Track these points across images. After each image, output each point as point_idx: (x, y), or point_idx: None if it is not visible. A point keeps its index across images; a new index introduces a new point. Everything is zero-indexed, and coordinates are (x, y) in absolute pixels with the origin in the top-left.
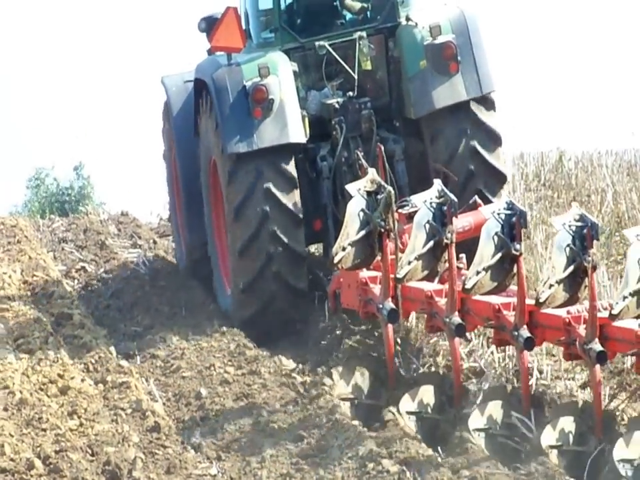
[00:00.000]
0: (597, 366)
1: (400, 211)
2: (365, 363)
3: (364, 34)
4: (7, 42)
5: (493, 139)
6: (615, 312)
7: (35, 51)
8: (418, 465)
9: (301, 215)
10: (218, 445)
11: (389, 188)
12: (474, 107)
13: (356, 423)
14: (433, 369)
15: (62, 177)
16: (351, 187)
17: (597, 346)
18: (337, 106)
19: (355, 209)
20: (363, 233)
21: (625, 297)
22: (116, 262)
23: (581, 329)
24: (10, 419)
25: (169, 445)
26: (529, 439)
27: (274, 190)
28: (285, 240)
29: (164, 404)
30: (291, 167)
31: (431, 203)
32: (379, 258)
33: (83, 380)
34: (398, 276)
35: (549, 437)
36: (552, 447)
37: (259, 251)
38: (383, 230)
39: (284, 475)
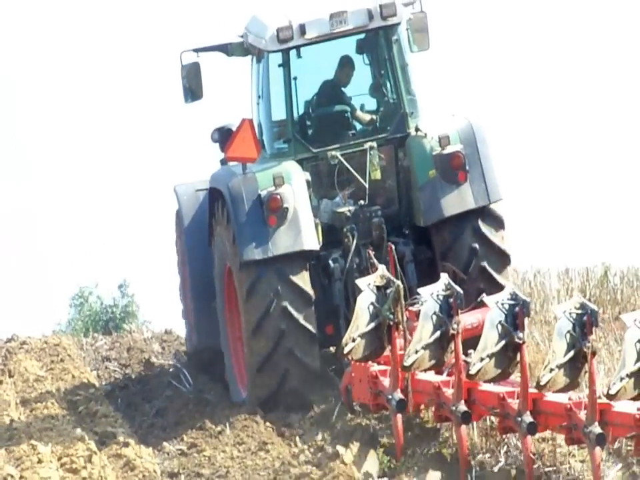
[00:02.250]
0: (597, 448)
1: (410, 308)
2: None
3: (374, 144)
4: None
5: (502, 259)
6: (612, 392)
7: (74, 168)
8: None
9: (315, 331)
10: None
11: (398, 282)
12: (485, 229)
13: None
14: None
15: (106, 295)
16: (361, 282)
17: (596, 429)
18: (348, 214)
19: (364, 302)
20: (372, 325)
21: (622, 378)
22: (159, 380)
23: (582, 414)
24: None
25: None
26: None
27: (290, 309)
28: (301, 356)
29: None
30: (307, 284)
31: (437, 295)
32: (388, 350)
33: None
34: (405, 364)
35: None
36: None
37: (276, 367)
38: (391, 323)
39: None
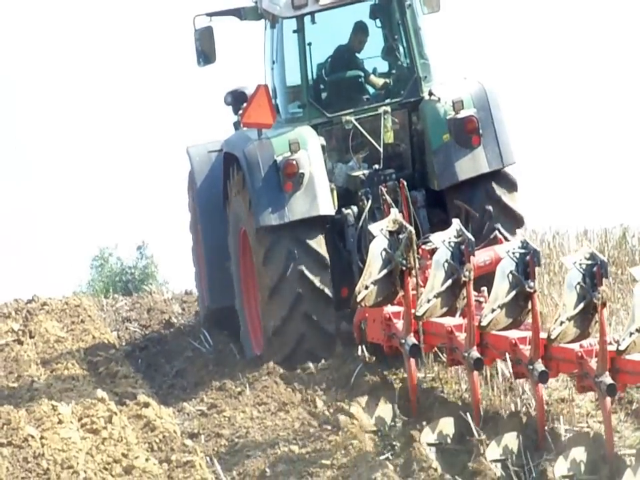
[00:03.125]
0: (608, 399)
1: (423, 247)
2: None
3: (388, 108)
4: (70, 123)
5: (515, 222)
6: (621, 348)
7: (95, 131)
8: None
9: (331, 295)
10: None
11: (410, 228)
12: (499, 191)
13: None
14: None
15: (125, 257)
16: (373, 227)
17: (607, 379)
18: (363, 178)
19: (377, 248)
20: (385, 271)
21: (631, 333)
22: (179, 341)
23: (593, 363)
24: None
25: None
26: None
27: (307, 273)
28: (317, 320)
29: None
30: (322, 247)
31: (449, 242)
32: (401, 295)
33: (147, 459)
34: (417, 314)
35: (561, 467)
36: (564, 477)
37: (292, 330)
38: (404, 268)
39: None
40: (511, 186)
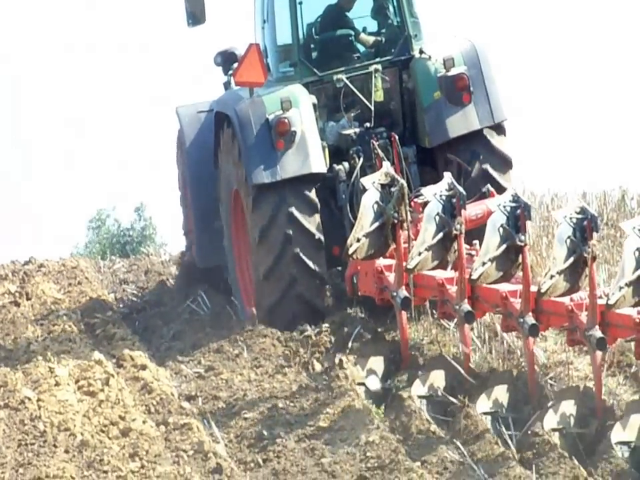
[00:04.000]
0: (598, 353)
1: (416, 200)
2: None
3: (379, 67)
4: (69, 90)
5: (504, 163)
6: (611, 302)
7: (90, 94)
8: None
9: (322, 238)
10: None
11: (402, 181)
12: (487, 132)
13: None
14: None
15: (123, 218)
16: (365, 180)
17: (597, 333)
18: (354, 136)
19: (369, 201)
20: (376, 224)
21: (620, 287)
22: (176, 303)
23: (583, 316)
24: (71, 461)
25: None
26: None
27: (297, 214)
28: (308, 262)
29: (226, 445)
30: (312, 194)
31: (440, 196)
32: (393, 248)
33: (144, 422)
34: (408, 266)
35: (551, 420)
36: (554, 429)
37: (283, 273)
38: (396, 221)
39: None
40: (500, 130)
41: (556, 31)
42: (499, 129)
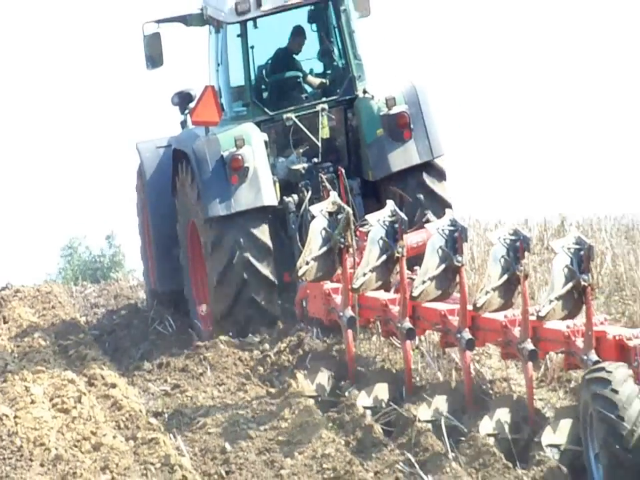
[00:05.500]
0: (530, 364)
1: (361, 229)
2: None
3: (325, 106)
4: (42, 116)
5: (444, 207)
6: (542, 314)
7: (62, 127)
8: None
9: (275, 280)
10: None
11: (348, 209)
12: (427, 180)
13: None
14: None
15: (94, 246)
16: (314, 208)
17: (529, 345)
18: (302, 171)
19: (317, 227)
20: (324, 249)
21: (550, 301)
22: (144, 325)
23: (516, 331)
24: (46, 474)
25: None
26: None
27: (252, 260)
28: (262, 304)
29: (191, 458)
30: (266, 237)
31: (384, 221)
32: (339, 271)
33: (114, 437)
34: (354, 286)
35: (486, 426)
36: (489, 434)
37: (239, 314)
38: (342, 246)
39: None
40: (440, 175)
41: (495, 69)
42: (440, 175)
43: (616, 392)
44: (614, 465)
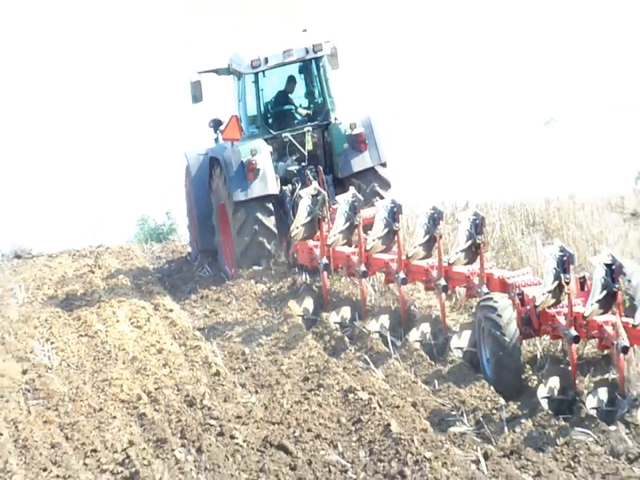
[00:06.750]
0: (443, 294)
1: (333, 206)
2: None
3: (310, 128)
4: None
5: (386, 185)
6: (451, 261)
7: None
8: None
9: (275, 231)
10: (256, 384)
11: (324, 192)
12: (377, 167)
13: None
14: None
15: (158, 219)
16: (302, 192)
17: (442, 282)
18: (294, 171)
19: (304, 204)
20: (309, 218)
21: (457, 253)
22: (191, 270)
23: (434, 272)
24: (127, 369)
25: (225, 384)
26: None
27: (260, 217)
28: (269, 247)
29: (222, 358)
30: (270, 210)
31: (347, 201)
32: (319, 234)
33: (171, 344)
34: (328, 242)
35: (415, 335)
36: (416, 341)
37: (253, 253)
38: (320, 217)
39: (296, 402)
40: (386, 173)
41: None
42: (384, 165)
43: (500, 315)
44: (498, 364)
